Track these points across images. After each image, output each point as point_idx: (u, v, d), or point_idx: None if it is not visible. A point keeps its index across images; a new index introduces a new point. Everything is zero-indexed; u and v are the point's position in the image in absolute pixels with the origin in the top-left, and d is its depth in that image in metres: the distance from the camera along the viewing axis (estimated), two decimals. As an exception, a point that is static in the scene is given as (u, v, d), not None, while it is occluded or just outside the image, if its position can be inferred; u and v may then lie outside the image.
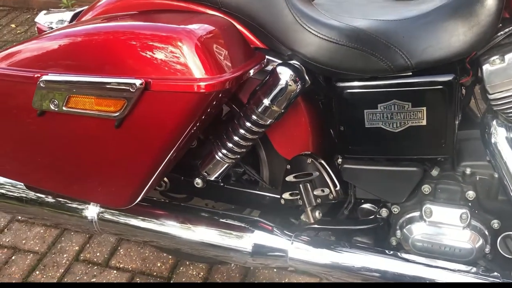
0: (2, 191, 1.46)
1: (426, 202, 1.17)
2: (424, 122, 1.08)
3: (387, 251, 1.19)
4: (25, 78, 1.11)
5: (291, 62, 1.09)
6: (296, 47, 1.07)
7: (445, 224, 1.15)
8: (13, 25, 3.89)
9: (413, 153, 1.13)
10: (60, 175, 1.22)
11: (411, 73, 1.05)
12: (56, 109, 1.09)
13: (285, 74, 1.07)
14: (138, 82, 0.97)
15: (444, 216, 1.15)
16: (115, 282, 1.69)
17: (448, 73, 1.04)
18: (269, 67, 1.13)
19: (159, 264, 1.75)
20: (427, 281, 1.13)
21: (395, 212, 1.21)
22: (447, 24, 1.01)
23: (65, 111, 1.08)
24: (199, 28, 1.02)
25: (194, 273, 1.70)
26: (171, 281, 1.68)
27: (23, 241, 1.89)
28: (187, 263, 1.73)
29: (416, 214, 1.18)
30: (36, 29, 1.48)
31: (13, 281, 1.72)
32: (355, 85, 1.08)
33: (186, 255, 1.64)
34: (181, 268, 1.72)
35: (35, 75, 1.09)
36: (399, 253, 1.19)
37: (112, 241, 1.85)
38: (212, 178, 1.29)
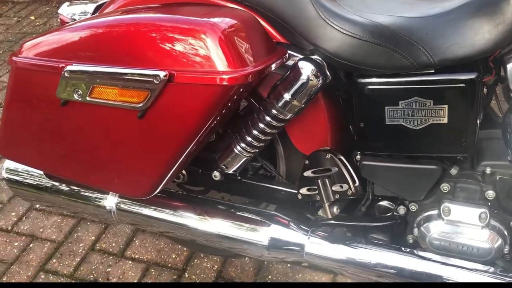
0: (22, 178, 1.49)
1: (444, 201, 1.16)
2: (445, 120, 1.07)
3: (403, 249, 1.19)
4: (50, 67, 1.13)
5: (313, 57, 1.10)
6: (318, 42, 1.08)
7: (463, 223, 1.14)
8: (32, 17, 3.94)
9: (433, 151, 1.13)
10: (80, 164, 1.24)
11: (433, 71, 1.05)
12: (80, 99, 1.10)
13: (306, 69, 1.07)
14: (162, 73, 0.98)
15: (462, 215, 1.14)
16: (129, 272, 1.71)
17: (471, 71, 1.03)
18: (290, 62, 1.13)
19: (173, 256, 1.76)
20: (444, 280, 1.13)
21: (413, 210, 1.21)
22: (472, 22, 1.00)
23: (88, 101, 1.10)
24: (223, 22, 1.02)
25: (208, 265, 1.71)
26: (186, 273, 1.69)
27: (41, 230, 1.92)
28: (202, 255, 1.75)
29: (434, 212, 1.18)
30: (58, 21, 1.50)
31: (31, 269, 1.75)
32: (376, 82, 1.08)
33: (201, 247, 1.65)
34: (196, 260, 1.74)
35: (60, 65, 1.11)
36: (415, 251, 1.19)
37: (127, 232, 1.88)
38: (230, 172, 1.30)
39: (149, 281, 1.68)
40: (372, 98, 1.10)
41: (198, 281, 1.66)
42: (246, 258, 1.72)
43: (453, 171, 1.16)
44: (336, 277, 1.63)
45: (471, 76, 1.03)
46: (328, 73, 1.10)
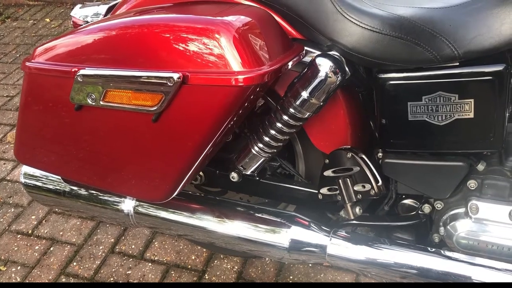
0: (40, 183, 1.48)
1: (472, 198, 1.11)
2: (471, 115, 1.03)
3: (429, 249, 1.15)
4: (63, 72, 1.11)
5: (331, 53, 1.06)
6: (336, 37, 1.04)
7: (492, 221, 1.10)
8: (47, 20, 3.96)
9: (458, 147, 1.08)
10: (97, 169, 1.23)
11: (458, 64, 1.00)
12: (94, 104, 1.09)
13: (324, 66, 1.03)
14: (175, 76, 0.96)
15: (491, 213, 1.09)
16: (149, 275, 1.70)
17: (498, 63, 0.98)
18: (307, 59, 1.10)
19: (193, 257, 1.75)
20: (472, 280, 1.08)
21: (438, 208, 1.16)
22: (498, 10, 0.95)
23: (102, 106, 1.08)
24: (237, 20, 0.99)
25: (228, 266, 1.69)
26: (206, 275, 1.68)
27: (61, 233, 1.93)
28: (222, 256, 1.73)
29: (461, 210, 1.13)
30: (71, 23, 1.49)
31: (52, 272, 1.75)
32: (398, 77, 1.04)
33: (221, 248, 1.63)
34: (216, 261, 1.72)
35: (73, 69, 1.09)
36: (442, 251, 1.14)
37: (146, 234, 1.87)
38: (248, 173, 1.27)
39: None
40: (394, 93, 1.06)
41: (218, 283, 1.64)
42: (267, 259, 1.69)
43: (480, 167, 1.12)
44: (359, 277, 1.59)
45: (499, 68, 0.98)
46: (347, 69, 1.06)
